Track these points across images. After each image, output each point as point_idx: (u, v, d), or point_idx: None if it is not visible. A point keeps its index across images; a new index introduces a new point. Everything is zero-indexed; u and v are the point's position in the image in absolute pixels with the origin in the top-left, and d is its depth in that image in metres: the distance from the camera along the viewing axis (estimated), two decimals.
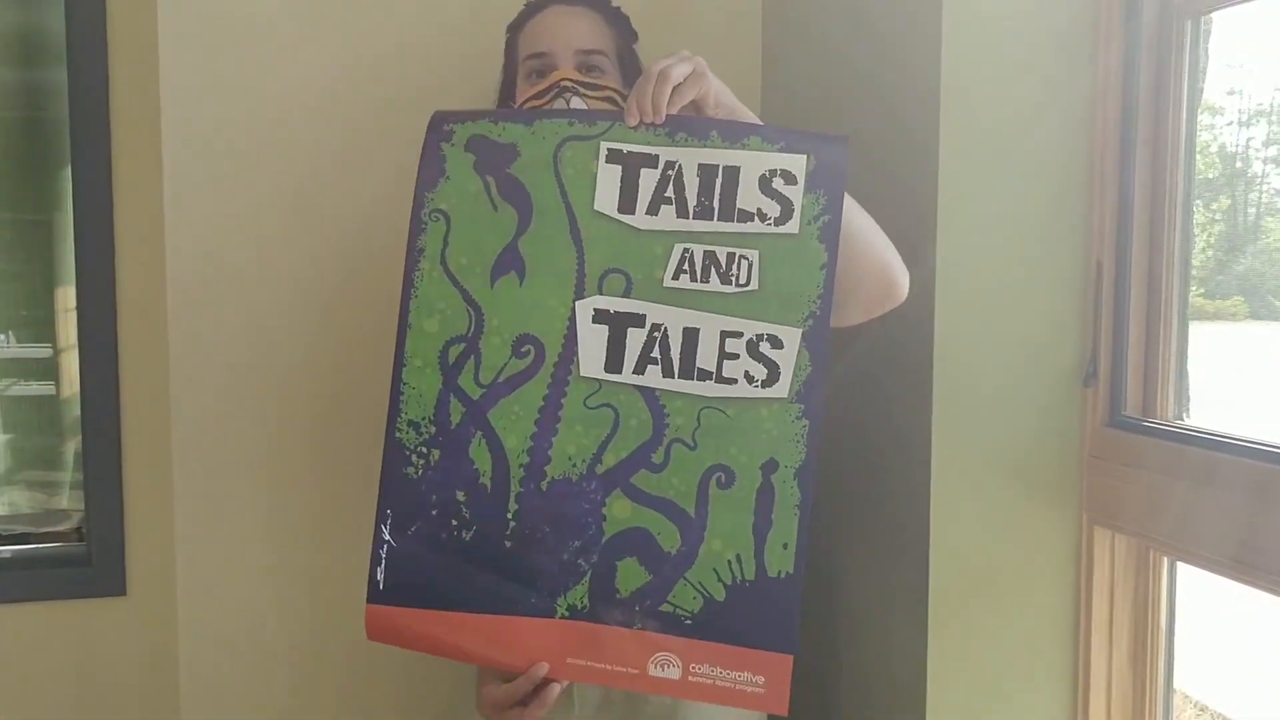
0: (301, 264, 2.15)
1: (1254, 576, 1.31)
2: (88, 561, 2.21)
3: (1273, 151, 1.66)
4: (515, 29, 1.73)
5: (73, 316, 2.28)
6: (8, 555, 2.23)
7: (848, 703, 1.88)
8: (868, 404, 1.78)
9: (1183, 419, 1.55)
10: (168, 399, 2.11)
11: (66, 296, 2.31)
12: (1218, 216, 1.68)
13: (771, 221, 1.35)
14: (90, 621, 2.22)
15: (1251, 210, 1.68)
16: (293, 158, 2.13)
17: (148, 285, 2.20)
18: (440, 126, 1.40)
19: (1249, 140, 1.68)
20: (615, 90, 1.59)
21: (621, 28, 1.72)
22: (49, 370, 2.37)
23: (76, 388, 2.22)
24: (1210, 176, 1.68)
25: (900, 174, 1.68)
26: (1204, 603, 1.64)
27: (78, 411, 2.21)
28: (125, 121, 2.21)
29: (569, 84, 1.54)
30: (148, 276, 2.20)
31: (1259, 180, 1.69)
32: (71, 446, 2.33)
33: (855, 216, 1.42)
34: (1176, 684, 1.63)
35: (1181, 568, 1.58)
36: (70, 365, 2.31)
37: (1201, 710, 1.83)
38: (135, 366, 2.23)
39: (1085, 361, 1.62)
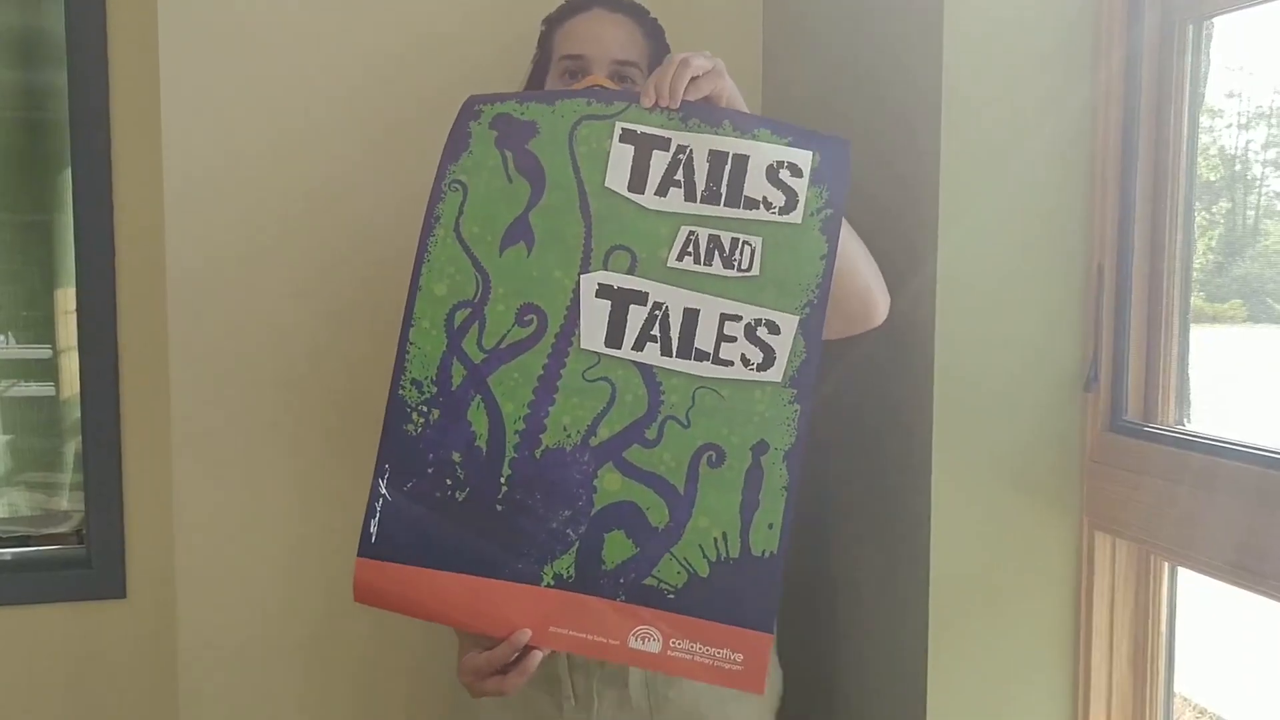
0: (301, 266, 2.15)
1: (1255, 582, 1.32)
2: (87, 564, 2.21)
3: (1272, 154, 1.66)
4: (554, 24, 1.75)
5: (73, 318, 2.29)
6: (7, 557, 2.23)
7: (849, 706, 1.88)
8: (869, 408, 1.78)
9: (1184, 424, 1.56)
10: (168, 401, 2.11)
11: (66, 298, 2.31)
12: (1218, 219, 1.68)
13: (776, 210, 1.38)
14: (90, 624, 2.22)
15: (1251, 213, 1.68)
16: (292, 159, 2.13)
17: (148, 287, 2.20)
18: (471, 108, 1.43)
19: (1248, 143, 1.68)
20: (642, 71, 1.63)
21: (657, 41, 1.74)
22: (49, 371, 2.37)
23: (76, 389, 2.22)
24: (1210, 179, 1.68)
25: (902, 177, 1.68)
26: (1205, 607, 1.64)
27: (78, 413, 2.21)
28: (125, 122, 2.21)
29: (601, 91, 1.56)
30: (148, 278, 2.20)
31: (1258, 183, 1.70)
32: (71, 448, 2.33)
33: (845, 237, 1.44)
34: (1177, 688, 1.64)
35: (1182, 572, 1.58)
36: (70, 366, 2.31)
37: (1201, 714, 1.83)
38: (135, 368, 2.23)
39: (1086, 366, 1.62)
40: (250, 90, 2.11)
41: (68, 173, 2.21)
